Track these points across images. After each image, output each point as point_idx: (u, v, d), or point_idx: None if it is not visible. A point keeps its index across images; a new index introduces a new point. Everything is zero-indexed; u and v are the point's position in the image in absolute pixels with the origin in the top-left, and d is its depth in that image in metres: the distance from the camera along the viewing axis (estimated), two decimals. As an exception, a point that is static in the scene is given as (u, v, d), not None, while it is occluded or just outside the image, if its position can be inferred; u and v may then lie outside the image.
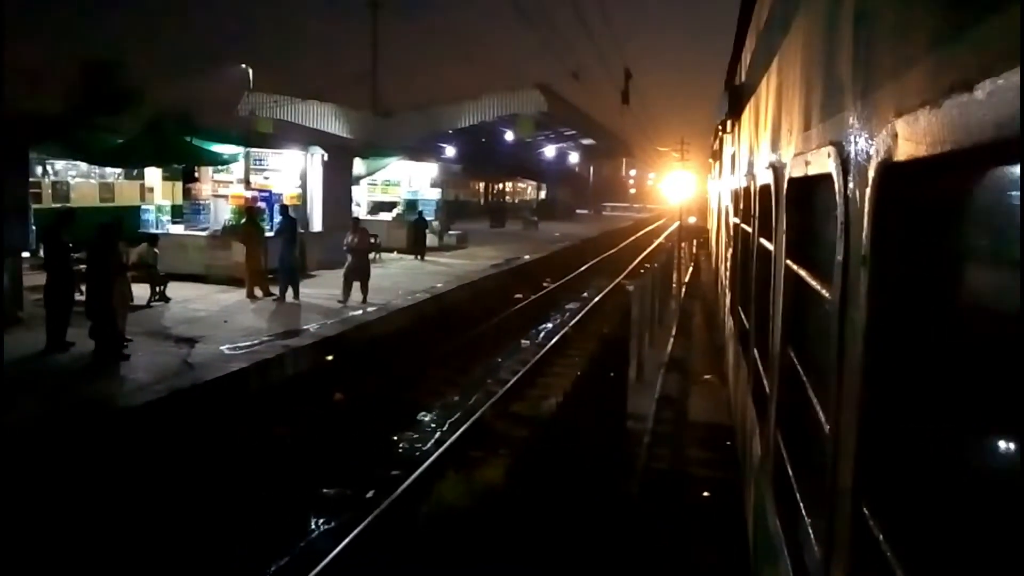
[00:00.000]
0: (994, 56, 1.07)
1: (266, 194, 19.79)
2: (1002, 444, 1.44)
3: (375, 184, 30.15)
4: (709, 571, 6.90)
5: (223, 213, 19.59)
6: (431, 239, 27.36)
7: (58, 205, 20.80)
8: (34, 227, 13.94)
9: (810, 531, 2.52)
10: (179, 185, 20.97)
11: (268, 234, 17.11)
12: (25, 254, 13.46)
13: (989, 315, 1.42)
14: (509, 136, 47.11)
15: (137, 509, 7.43)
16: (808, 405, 2.63)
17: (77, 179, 24.08)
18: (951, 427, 1.58)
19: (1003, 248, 1.31)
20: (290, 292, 16.06)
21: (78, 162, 22.18)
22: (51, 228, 11.33)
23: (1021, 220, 1.16)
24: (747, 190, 6.17)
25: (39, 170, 22.15)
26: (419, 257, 25.28)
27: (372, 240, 18.64)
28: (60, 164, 23.17)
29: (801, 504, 2.72)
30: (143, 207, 20.46)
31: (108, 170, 23.88)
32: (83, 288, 11.10)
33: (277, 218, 17.72)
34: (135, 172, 23.69)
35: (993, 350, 1.40)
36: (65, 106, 21.75)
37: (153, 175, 21.96)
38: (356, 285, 16.06)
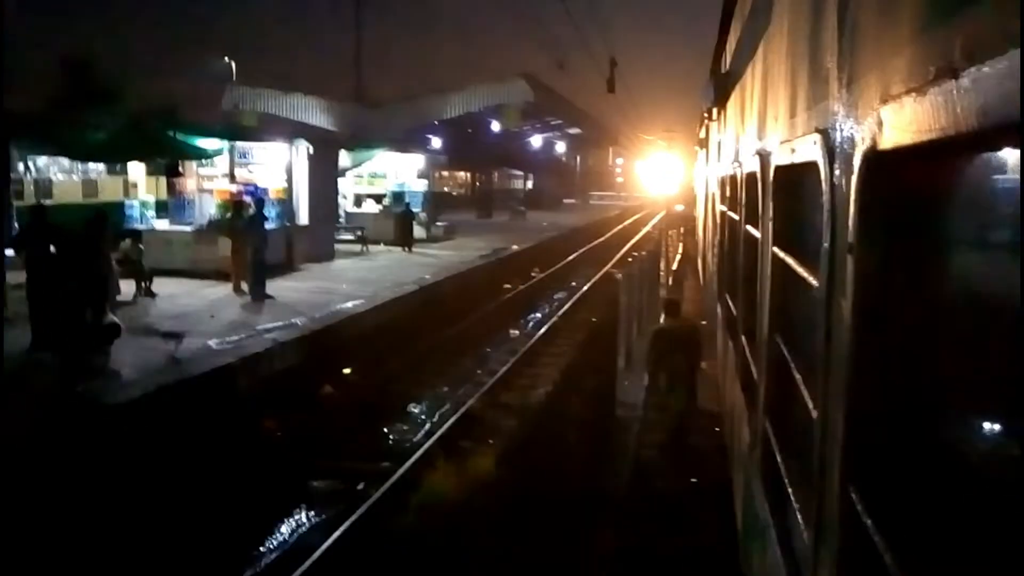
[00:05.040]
0: (979, 43, 1.08)
1: (251, 187, 19.66)
2: (988, 428, 1.45)
3: (361, 176, 30.04)
4: (698, 556, 6.93)
5: (208, 208, 19.47)
6: (418, 231, 27.28)
7: (44, 201, 20.58)
8: (16, 224, 13.81)
9: (798, 516, 2.53)
10: (163, 180, 20.79)
11: (270, 226, 17.00)
12: (9, 252, 13.31)
13: (974, 301, 1.43)
14: (496, 126, 46.90)
15: (123, 504, 7.39)
16: (796, 391, 2.64)
17: (59, 175, 23.83)
18: (937, 412, 1.59)
19: (988, 234, 1.31)
20: (246, 288, 15.49)
21: (60, 158, 21.95)
22: (28, 225, 11.21)
23: (1012, 206, 1.16)
24: (733, 178, 6.19)
25: (21, 167, 21.91)
26: (407, 249, 25.20)
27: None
28: (42, 161, 22.90)
29: (789, 489, 2.74)
30: (127, 203, 20.28)
31: (91, 166, 23.65)
32: (66, 283, 10.96)
33: (273, 211, 17.96)
34: (118, 168, 23.47)
35: (978, 335, 1.41)
36: (46, 102, 21.52)
37: (137, 170, 21.79)
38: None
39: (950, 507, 1.48)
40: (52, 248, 10.89)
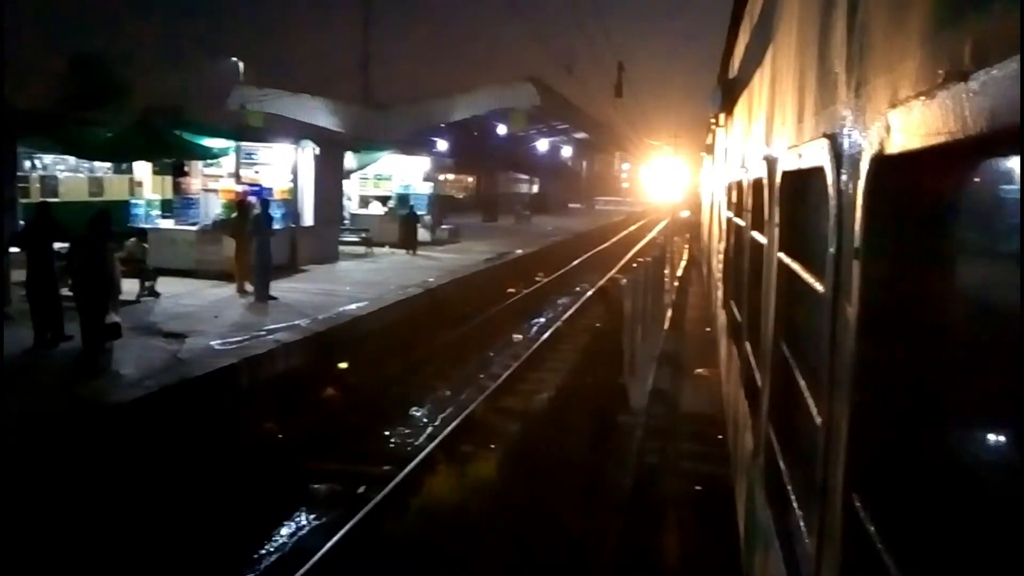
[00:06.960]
0: (989, 46, 1.07)
1: (257, 188, 19.68)
2: (993, 436, 1.44)
3: (367, 178, 30.07)
4: (699, 564, 6.91)
5: (213, 208, 19.49)
6: (423, 233, 27.28)
7: (50, 199, 20.62)
8: (22, 222, 13.82)
9: (801, 523, 2.52)
10: (169, 179, 20.81)
11: (277, 226, 17.17)
12: (14, 249, 13.33)
13: (982, 308, 1.42)
14: (502, 130, 47.01)
15: (121, 504, 7.39)
16: (800, 398, 2.62)
17: (66, 173, 23.90)
18: (942, 420, 1.58)
19: (996, 241, 1.30)
20: (250, 288, 15.46)
21: (67, 156, 22.01)
22: (30, 223, 11.22)
23: (1021, 212, 1.15)
24: (740, 184, 6.18)
25: (27, 165, 21.96)
26: (411, 252, 25.22)
27: None
28: (48, 159, 22.97)
29: (792, 496, 2.72)
30: (132, 201, 20.32)
31: (97, 164, 23.70)
32: (69, 282, 10.96)
33: (278, 212, 18.16)
34: (124, 166, 23.52)
35: (985, 343, 1.40)
36: (53, 100, 21.58)
37: (142, 169, 21.81)
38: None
39: (954, 515, 1.47)
40: (55, 246, 10.89)
